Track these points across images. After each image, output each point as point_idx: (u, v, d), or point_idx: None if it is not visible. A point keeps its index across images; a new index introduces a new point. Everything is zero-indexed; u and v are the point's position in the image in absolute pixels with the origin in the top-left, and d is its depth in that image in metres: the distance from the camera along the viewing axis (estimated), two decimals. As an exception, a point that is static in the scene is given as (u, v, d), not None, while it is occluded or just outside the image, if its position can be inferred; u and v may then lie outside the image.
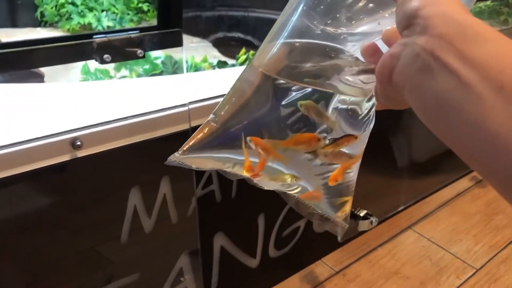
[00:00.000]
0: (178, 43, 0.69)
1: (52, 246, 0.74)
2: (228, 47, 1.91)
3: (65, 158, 0.68)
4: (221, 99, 0.69)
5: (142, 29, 0.65)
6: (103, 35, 0.61)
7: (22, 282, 0.74)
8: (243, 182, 0.76)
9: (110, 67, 1.16)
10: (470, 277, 1.31)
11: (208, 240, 0.97)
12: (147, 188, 0.81)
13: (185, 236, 0.91)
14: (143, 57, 0.65)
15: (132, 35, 0.63)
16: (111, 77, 1.19)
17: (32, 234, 0.71)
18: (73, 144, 0.68)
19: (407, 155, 1.51)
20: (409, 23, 0.30)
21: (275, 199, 1.05)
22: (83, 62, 1.14)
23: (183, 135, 0.79)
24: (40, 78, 1.22)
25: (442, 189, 1.69)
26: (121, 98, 0.83)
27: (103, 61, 0.61)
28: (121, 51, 0.62)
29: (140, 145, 0.75)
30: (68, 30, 1.47)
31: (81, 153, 0.69)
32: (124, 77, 1.17)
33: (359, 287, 1.25)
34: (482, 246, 1.43)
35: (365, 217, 1.12)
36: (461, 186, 1.74)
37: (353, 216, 1.14)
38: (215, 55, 1.80)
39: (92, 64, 1.15)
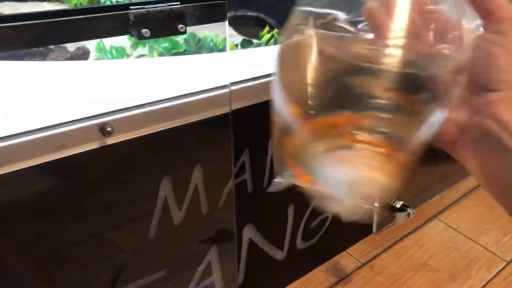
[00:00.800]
0: (222, 17, 0.61)
1: (78, 240, 0.67)
2: (243, 26, 1.82)
3: (94, 145, 0.61)
4: (263, 80, 0.59)
5: (183, 1, 0.57)
6: (141, 7, 0.53)
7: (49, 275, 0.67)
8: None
9: (127, 45, 1.08)
10: (501, 270, 1.26)
11: (237, 232, 0.91)
12: (179, 178, 0.74)
13: (215, 228, 0.85)
14: (185, 32, 0.57)
15: (172, 7, 0.55)
16: (128, 56, 1.11)
17: (57, 228, 0.64)
18: (103, 130, 0.60)
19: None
20: (483, 95, 0.30)
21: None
22: (96, 40, 1.05)
23: (222, 120, 0.72)
24: (49, 57, 1.14)
25: (467, 177, 1.63)
26: (150, 79, 0.76)
27: (141, 36, 0.54)
28: (161, 25, 0.55)
29: (175, 131, 0.68)
30: (75, 5, 1.37)
31: (111, 140, 0.62)
32: (142, 55, 1.08)
33: (387, 279, 1.19)
34: (510, 238, 1.37)
35: (401, 209, 1.06)
36: (485, 174, 1.68)
37: (389, 207, 1.08)
38: (231, 34, 1.71)
39: (107, 41, 1.07)
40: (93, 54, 1.15)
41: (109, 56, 1.13)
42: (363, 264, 1.24)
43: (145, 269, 0.77)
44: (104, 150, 0.62)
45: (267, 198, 0.93)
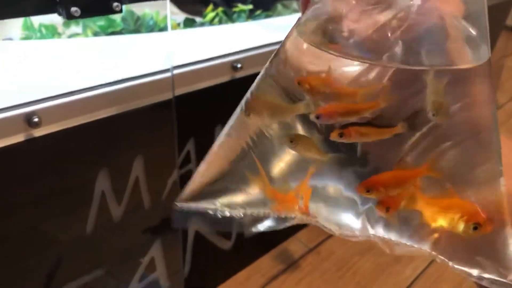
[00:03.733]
0: (163, -5, 0.55)
1: (8, 241, 0.60)
2: (185, 3, 1.73)
3: (19, 138, 0.54)
4: (208, 63, 0.56)
5: (118, -24, 0.51)
6: (69, -19, 0.47)
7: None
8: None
9: (58, 22, 0.99)
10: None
11: (182, 224, 0.86)
12: (117, 171, 0.68)
13: (158, 221, 0.80)
14: (121, 11, 0.51)
15: (106, -17, 0.49)
16: (59, 35, 1.02)
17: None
18: (29, 121, 0.53)
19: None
20: None
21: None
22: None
23: (164, 107, 0.67)
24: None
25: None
26: (84, 62, 0.69)
27: (70, 15, 0.47)
28: (93, 3, 0.48)
29: (111, 120, 0.62)
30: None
31: (38, 132, 0.55)
32: (75, 34, 1.00)
33: (333, 265, 1.19)
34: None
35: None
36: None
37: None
38: (173, 11, 1.63)
39: (36, 18, 0.97)
40: (19, 32, 1.05)
41: (38, 34, 1.04)
42: (311, 250, 1.23)
43: (83, 266, 0.71)
44: (31, 142, 0.55)
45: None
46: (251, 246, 1.12)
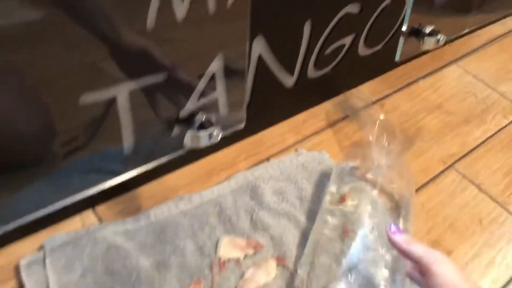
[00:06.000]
0: None
1: (70, 69, 0.55)
2: None
3: None
4: None
5: None
6: None
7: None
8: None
9: None
10: (517, 118, 1.19)
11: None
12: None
13: (222, 33, 0.73)
14: None
15: None
16: None
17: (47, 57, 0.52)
18: None
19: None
20: None
21: (327, 4, 0.84)
22: None
23: None
24: None
25: (492, 24, 1.50)
26: None
27: None
28: None
29: None
30: None
31: None
32: None
33: (398, 117, 1.12)
34: (531, 87, 1.29)
35: (431, 34, 0.93)
36: (511, 22, 1.55)
37: (417, 32, 0.95)
38: None
39: None
40: None
41: None
42: (374, 102, 1.16)
43: (141, 70, 0.67)
44: None
45: (283, 6, 0.80)
46: (312, 89, 1.05)
